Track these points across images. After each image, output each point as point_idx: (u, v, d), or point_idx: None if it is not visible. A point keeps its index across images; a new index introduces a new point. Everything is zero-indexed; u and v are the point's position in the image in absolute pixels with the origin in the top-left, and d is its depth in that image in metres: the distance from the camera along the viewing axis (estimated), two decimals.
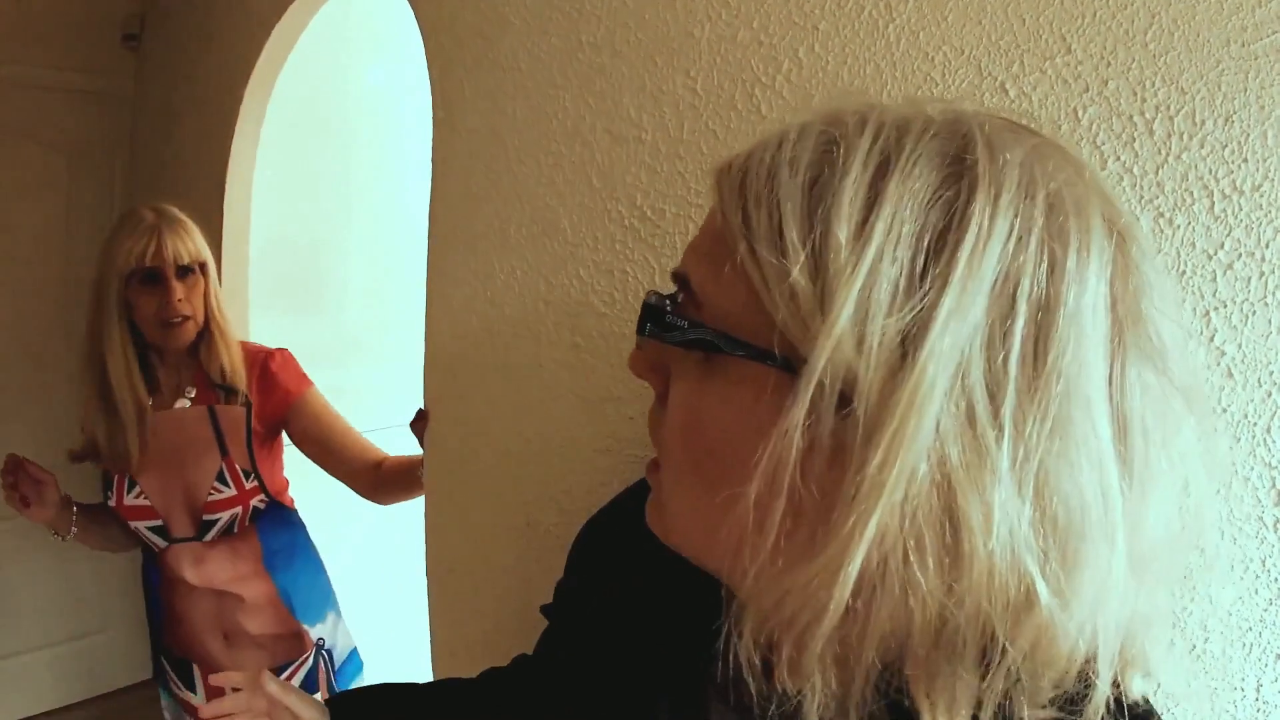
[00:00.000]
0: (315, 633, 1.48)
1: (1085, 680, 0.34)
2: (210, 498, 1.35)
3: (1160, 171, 0.59)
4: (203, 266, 1.35)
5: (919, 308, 0.30)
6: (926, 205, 0.32)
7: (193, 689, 1.41)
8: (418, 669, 1.58)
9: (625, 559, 0.58)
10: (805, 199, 0.33)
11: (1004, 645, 0.32)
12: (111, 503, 1.34)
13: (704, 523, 0.38)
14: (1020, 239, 0.31)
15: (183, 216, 1.35)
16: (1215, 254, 0.57)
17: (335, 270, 2.36)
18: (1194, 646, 0.61)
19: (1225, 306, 0.58)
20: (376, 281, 2.44)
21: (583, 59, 0.96)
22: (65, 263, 2.42)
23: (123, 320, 1.29)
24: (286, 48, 1.85)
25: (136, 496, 1.34)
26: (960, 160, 0.33)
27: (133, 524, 1.35)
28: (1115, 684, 0.35)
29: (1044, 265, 0.31)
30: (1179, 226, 0.59)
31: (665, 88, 0.88)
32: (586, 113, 0.95)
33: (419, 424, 1.22)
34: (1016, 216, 0.31)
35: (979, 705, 0.34)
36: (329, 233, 2.32)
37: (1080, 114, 0.62)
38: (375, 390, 2.25)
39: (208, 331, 1.36)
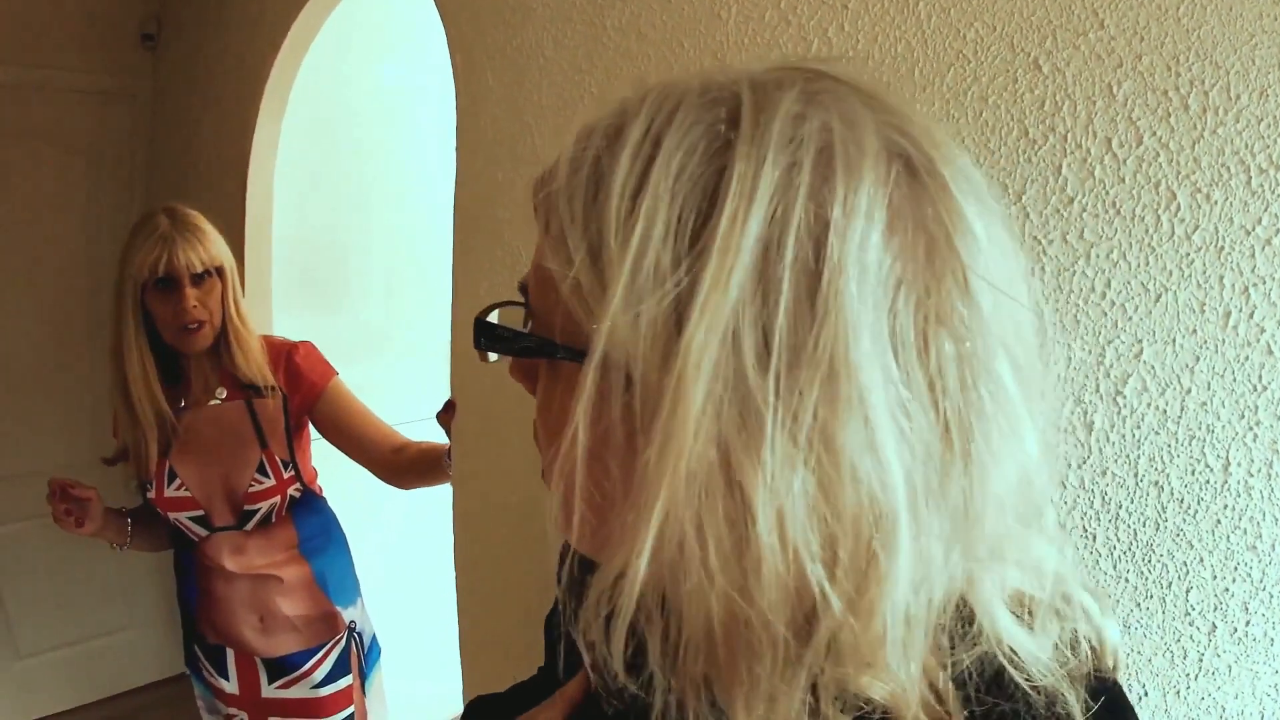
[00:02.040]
0: (347, 615, 1.55)
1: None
2: (251, 489, 1.43)
3: (1196, 146, 0.61)
4: (219, 270, 1.39)
5: (681, 284, 0.31)
6: (691, 180, 0.32)
7: (225, 676, 1.49)
8: (441, 659, 1.64)
9: None
10: (583, 198, 0.35)
11: (806, 642, 0.32)
12: (150, 495, 1.41)
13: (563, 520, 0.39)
14: (782, 202, 0.31)
15: (198, 221, 1.38)
16: (1253, 229, 0.59)
17: (356, 266, 2.42)
18: (1235, 630, 0.63)
19: (1264, 282, 0.59)
20: (398, 276, 2.50)
21: (608, 44, 0.99)
22: (86, 264, 2.51)
23: (139, 326, 1.35)
24: (304, 44, 1.91)
25: (177, 489, 1.41)
26: (724, 128, 0.33)
27: (172, 516, 1.42)
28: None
29: (806, 226, 0.31)
30: (1216, 202, 0.60)
31: (693, 71, 0.90)
32: (613, 98, 0.98)
33: (446, 415, 1.26)
34: (778, 181, 0.31)
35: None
36: (349, 229, 2.38)
37: (1115, 89, 0.64)
38: (397, 385, 2.31)
39: (226, 334, 1.41)
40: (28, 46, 2.31)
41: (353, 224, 2.37)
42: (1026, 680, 0.34)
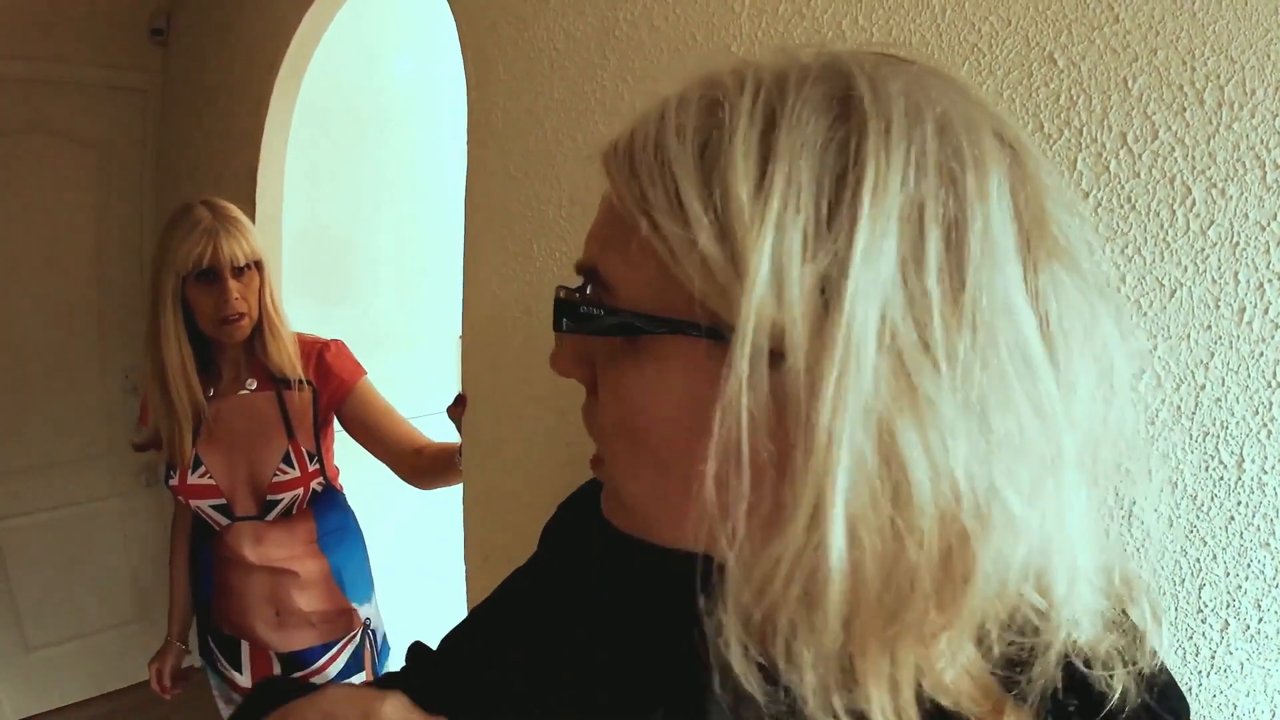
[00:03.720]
0: (363, 612, 1.59)
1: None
2: (275, 479, 1.48)
3: (1212, 141, 0.61)
4: (258, 264, 1.45)
5: (834, 250, 0.32)
6: (821, 149, 0.33)
7: (239, 669, 1.53)
8: None
9: (599, 539, 0.57)
10: (699, 165, 0.35)
11: (957, 586, 0.33)
12: (174, 482, 1.46)
13: (667, 510, 0.39)
14: (918, 166, 0.33)
15: (238, 214, 1.44)
16: (1268, 225, 0.60)
17: (366, 260, 2.45)
18: (1248, 627, 0.64)
19: (1279, 278, 0.60)
20: (408, 270, 2.53)
21: (620, 36, 1.00)
22: (96, 257, 2.56)
23: (178, 318, 1.40)
24: (315, 38, 1.93)
25: (201, 476, 1.46)
26: (845, 100, 0.34)
27: (195, 503, 1.47)
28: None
29: (945, 187, 0.33)
30: (1232, 197, 0.61)
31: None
32: (625, 91, 1.00)
33: (457, 409, 1.28)
34: (910, 145, 0.33)
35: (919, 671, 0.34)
36: (359, 222, 2.41)
37: (1130, 84, 0.65)
38: (408, 379, 2.34)
39: (262, 326, 1.47)
40: (38, 41, 2.35)
41: (363, 217, 2.41)
42: (1088, 657, 0.36)
